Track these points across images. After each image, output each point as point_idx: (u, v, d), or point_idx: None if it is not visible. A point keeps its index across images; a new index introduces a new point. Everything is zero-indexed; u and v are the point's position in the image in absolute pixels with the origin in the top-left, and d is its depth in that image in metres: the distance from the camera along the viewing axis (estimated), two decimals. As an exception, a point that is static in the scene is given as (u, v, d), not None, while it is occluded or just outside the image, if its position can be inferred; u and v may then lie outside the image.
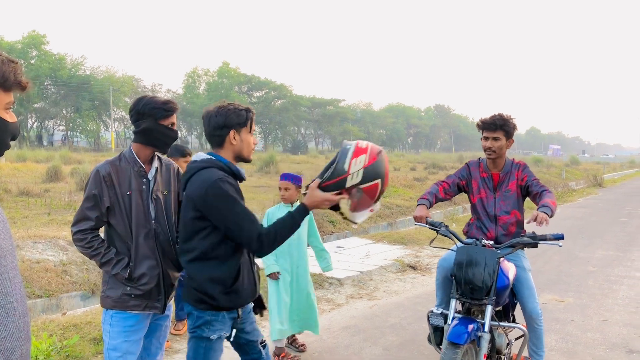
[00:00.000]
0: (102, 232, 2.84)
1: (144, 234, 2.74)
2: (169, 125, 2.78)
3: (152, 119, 2.72)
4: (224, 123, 2.63)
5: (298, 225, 2.60)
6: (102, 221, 2.73)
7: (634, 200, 19.80)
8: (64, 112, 58.89)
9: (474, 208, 3.94)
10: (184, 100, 72.73)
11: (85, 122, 57.60)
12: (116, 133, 66.93)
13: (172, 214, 2.88)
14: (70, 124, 59.36)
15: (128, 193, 2.71)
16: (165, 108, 2.75)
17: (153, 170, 2.81)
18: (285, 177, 4.56)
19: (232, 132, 2.64)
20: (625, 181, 33.26)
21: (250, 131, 2.71)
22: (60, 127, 61.62)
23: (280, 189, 4.53)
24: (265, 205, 10.70)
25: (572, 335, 5.17)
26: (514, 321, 3.94)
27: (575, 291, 6.75)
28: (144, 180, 2.77)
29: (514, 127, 3.82)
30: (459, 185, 3.96)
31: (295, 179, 4.55)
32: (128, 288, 2.71)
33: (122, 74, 63.69)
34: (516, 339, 3.96)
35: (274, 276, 4.46)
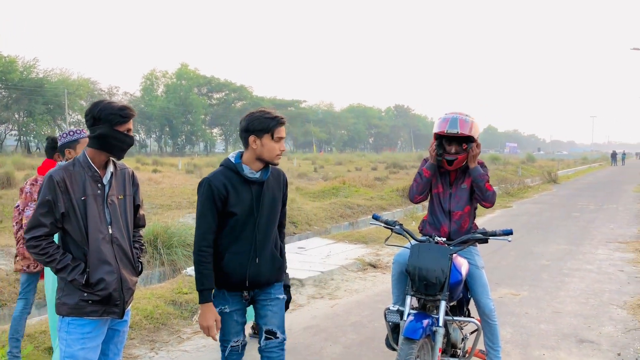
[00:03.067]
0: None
1: (100, 239, 2.71)
2: (125, 132, 2.76)
3: (107, 125, 2.69)
4: (246, 127, 2.93)
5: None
6: (57, 227, 2.68)
7: (586, 195, 20.50)
8: (17, 116, 57.10)
9: (430, 202, 4.03)
10: (142, 102, 71.55)
11: (39, 126, 55.99)
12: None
13: (128, 218, 2.86)
14: (23, 129, 57.63)
15: (83, 198, 2.68)
16: (122, 114, 2.72)
17: (108, 175, 2.78)
18: None
19: (252, 137, 2.91)
20: (578, 177, 34.38)
21: (273, 138, 2.92)
22: (13, 132, 59.69)
23: None
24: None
25: (526, 328, 5.34)
26: (468, 315, 4.06)
27: (530, 285, 6.96)
28: (99, 185, 2.74)
29: (477, 133, 3.82)
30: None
31: None
32: (85, 294, 2.67)
33: (77, 77, 62.35)
34: (471, 333, 4.08)
35: None
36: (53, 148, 4.23)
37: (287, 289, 4.39)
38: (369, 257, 8.37)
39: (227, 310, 3.02)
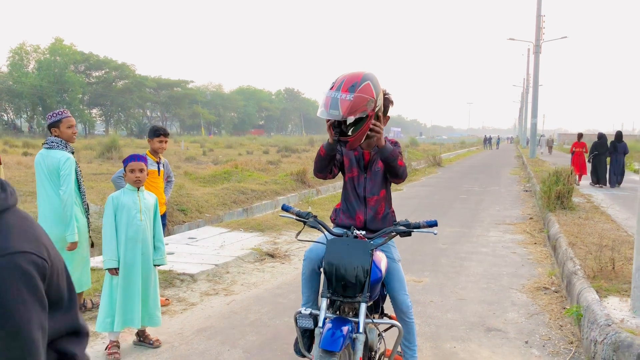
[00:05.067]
0: None
1: None
2: None
3: None
4: None
5: None
6: None
7: (469, 177, 21.44)
8: None
9: (344, 188, 3.59)
10: (10, 79, 65.15)
11: None
12: None
13: None
14: None
15: None
16: None
17: None
18: (137, 157, 4.20)
19: None
20: (459, 160, 36.20)
21: None
22: None
23: (133, 170, 4.14)
24: (105, 194, 9.64)
25: (434, 318, 5.14)
26: (383, 313, 3.70)
27: (430, 270, 6.85)
28: None
29: (391, 103, 3.51)
30: (340, 160, 3.53)
31: (145, 160, 4.26)
32: None
33: None
34: (384, 330, 3.74)
35: (112, 272, 4.14)
36: None
37: None
38: (266, 246, 7.87)
39: None
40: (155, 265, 4.37)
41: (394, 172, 3.33)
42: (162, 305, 4.82)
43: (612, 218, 9.42)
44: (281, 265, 7.03)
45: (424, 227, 3.14)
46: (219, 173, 15.87)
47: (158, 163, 5.55)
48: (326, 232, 3.18)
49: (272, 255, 7.41)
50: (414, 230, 3.15)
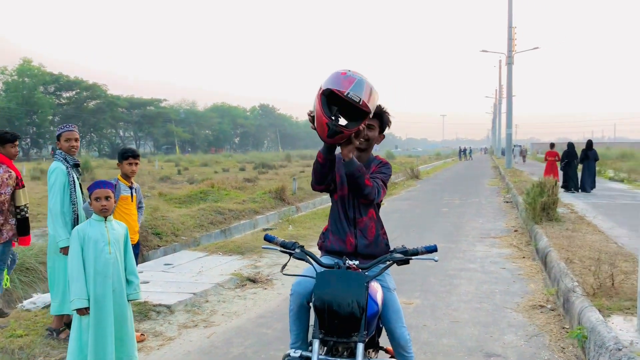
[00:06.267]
0: None
1: None
2: None
3: None
4: None
5: None
6: None
7: (449, 189, 21.33)
8: None
9: (333, 209, 3.27)
10: (-24, 101, 63.74)
11: None
12: None
13: None
14: None
15: None
16: None
17: None
18: (103, 184, 3.83)
19: None
20: (436, 172, 36.22)
21: None
22: None
23: (98, 199, 3.77)
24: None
25: (429, 344, 4.83)
26: (379, 347, 3.38)
27: (420, 290, 6.55)
28: None
29: (389, 123, 3.27)
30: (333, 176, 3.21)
31: (112, 186, 3.88)
32: None
33: None
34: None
35: (82, 312, 3.71)
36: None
37: None
38: (246, 270, 7.48)
39: None
40: (129, 301, 3.99)
41: (357, 190, 3.00)
42: (137, 341, 4.42)
43: (599, 229, 9.26)
44: (263, 291, 6.65)
45: (422, 253, 2.86)
46: (194, 193, 15.41)
47: (131, 188, 5.19)
48: (315, 264, 2.86)
49: (253, 281, 7.03)
50: (412, 257, 2.85)
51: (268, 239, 2.97)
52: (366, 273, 2.78)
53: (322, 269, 2.80)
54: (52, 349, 4.59)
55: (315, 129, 2.81)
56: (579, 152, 18.16)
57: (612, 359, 3.64)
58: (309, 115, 2.87)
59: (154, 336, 5.12)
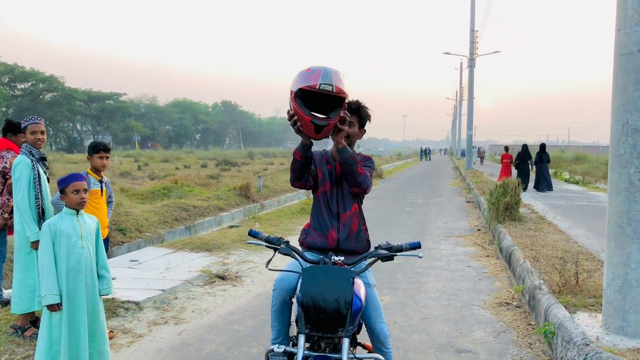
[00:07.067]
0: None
1: None
2: None
3: None
4: None
5: None
6: None
7: (412, 189, 21.60)
8: None
9: (316, 202, 3.28)
10: None
11: None
12: None
13: None
14: None
15: None
16: None
17: None
18: (80, 177, 3.77)
19: None
20: (399, 172, 36.61)
21: None
22: None
23: (77, 191, 3.72)
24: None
25: (400, 340, 4.88)
26: (356, 343, 3.40)
27: (389, 287, 6.62)
28: None
29: (368, 117, 3.30)
30: (314, 173, 3.22)
31: (84, 179, 3.81)
32: None
33: None
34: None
35: (53, 308, 3.60)
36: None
37: None
38: (215, 267, 7.41)
39: None
40: (101, 295, 3.90)
41: (352, 179, 3.04)
42: None
43: (559, 228, 9.56)
44: (233, 288, 6.60)
45: (406, 249, 2.90)
46: (157, 189, 15.16)
47: (100, 182, 5.08)
48: (300, 260, 2.86)
49: (222, 277, 6.97)
50: (397, 254, 2.89)
51: (253, 234, 2.96)
52: (352, 269, 2.79)
53: (308, 265, 2.81)
54: (18, 346, 4.45)
55: (300, 133, 2.83)
56: (533, 155, 19.45)
57: (579, 353, 3.76)
58: (291, 124, 2.86)
59: (123, 333, 5.02)
